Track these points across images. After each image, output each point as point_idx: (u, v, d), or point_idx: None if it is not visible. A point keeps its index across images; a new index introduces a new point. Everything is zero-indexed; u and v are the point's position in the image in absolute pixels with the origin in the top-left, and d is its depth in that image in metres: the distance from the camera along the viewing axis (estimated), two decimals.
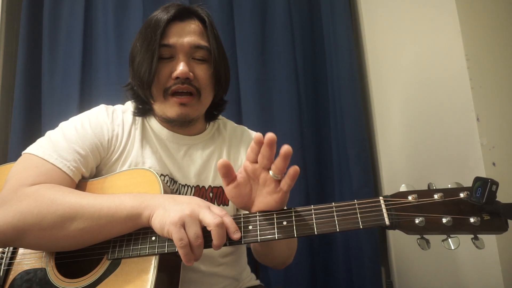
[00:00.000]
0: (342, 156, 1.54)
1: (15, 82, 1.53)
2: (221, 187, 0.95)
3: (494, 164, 0.89)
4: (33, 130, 1.47)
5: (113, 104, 0.97)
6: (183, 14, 0.89)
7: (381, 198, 0.64)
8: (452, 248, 0.60)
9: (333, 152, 1.59)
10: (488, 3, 0.97)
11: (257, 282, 1.05)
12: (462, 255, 0.99)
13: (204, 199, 0.91)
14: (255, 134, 0.65)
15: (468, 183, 0.95)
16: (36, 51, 1.58)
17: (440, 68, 1.07)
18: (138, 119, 0.93)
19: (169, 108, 0.87)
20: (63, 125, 0.88)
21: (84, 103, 1.50)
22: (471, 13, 0.96)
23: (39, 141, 0.84)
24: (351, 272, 1.46)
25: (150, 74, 0.84)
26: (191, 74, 0.86)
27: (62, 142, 0.82)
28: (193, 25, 0.89)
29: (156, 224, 0.67)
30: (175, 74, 0.85)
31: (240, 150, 1.00)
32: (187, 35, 0.87)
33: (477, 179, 0.58)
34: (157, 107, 0.90)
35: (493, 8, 0.96)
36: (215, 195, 0.94)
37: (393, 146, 1.42)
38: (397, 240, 1.41)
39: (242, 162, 0.98)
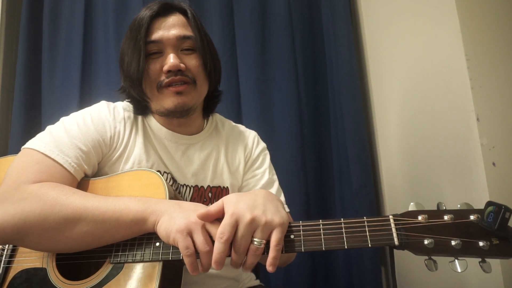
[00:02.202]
0: (342, 156, 1.54)
1: (15, 82, 1.53)
2: (219, 187, 0.95)
3: (494, 164, 0.89)
4: (33, 130, 1.45)
5: None
6: (165, 10, 0.89)
7: (390, 216, 0.63)
8: (459, 271, 0.59)
9: (333, 152, 1.59)
10: (488, 3, 0.97)
11: (257, 282, 1.05)
12: None
13: (203, 199, 0.91)
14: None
15: (468, 183, 0.96)
16: (36, 51, 1.57)
17: (440, 68, 1.07)
18: (139, 118, 0.93)
19: (166, 99, 0.86)
20: (64, 120, 0.86)
21: (84, 103, 1.47)
22: (471, 13, 0.96)
23: (40, 135, 0.82)
24: (351, 272, 1.46)
25: (139, 71, 0.84)
26: (182, 65, 0.85)
27: (63, 137, 0.80)
28: (177, 18, 0.89)
29: (161, 231, 0.66)
30: (166, 67, 0.84)
31: (238, 149, 1.00)
32: (171, 28, 0.87)
33: (489, 204, 0.57)
34: (154, 103, 0.89)
35: (493, 8, 0.96)
36: (214, 195, 0.93)
37: (393, 146, 1.42)
38: None
39: (239, 161, 0.99)
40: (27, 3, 1.59)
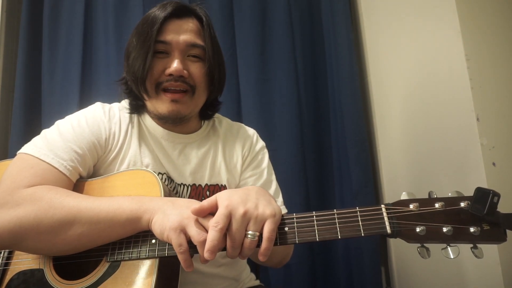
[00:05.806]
0: (342, 156, 1.54)
1: (15, 82, 1.53)
2: (217, 185, 0.94)
3: (494, 164, 0.89)
4: (33, 130, 1.47)
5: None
6: (181, 12, 0.88)
7: (382, 206, 0.64)
8: (452, 257, 0.60)
9: (333, 152, 1.59)
10: (488, 3, 0.96)
11: (257, 282, 1.04)
12: (463, 255, 0.98)
13: (201, 198, 0.91)
14: None
15: (468, 183, 0.95)
16: (36, 51, 1.58)
17: (440, 68, 1.07)
18: (134, 118, 0.92)
19: (161, 104, 0.86)
20: (59, 123, 0.86)
21: (84, 103, 1.47)
22: (471, 13, 0.96)
23: (34, 140, 0.82)
24: (351, 272, 1.46)
25: (144, 69, 0.83)
26: (185, 72, 0.85)
27: (58, 140, 0.80)
28: (191, 24, 0.88)
29: (156, 228, 0.67)
30: (168, 71, 0.84)
31: (236, 146, 0.99)
32: (183, 32, 0.86)
33: (478, 190, 0.58)
34: (150, 103, 0.88)
35: (493, 8, 0.96)
36: (212, 193, 0.93)
37: (393, 146, 1.42)
38: (397, 240, 1.40)
39: (237, 159, 0.98)
40: (27, 3, 1.59)
